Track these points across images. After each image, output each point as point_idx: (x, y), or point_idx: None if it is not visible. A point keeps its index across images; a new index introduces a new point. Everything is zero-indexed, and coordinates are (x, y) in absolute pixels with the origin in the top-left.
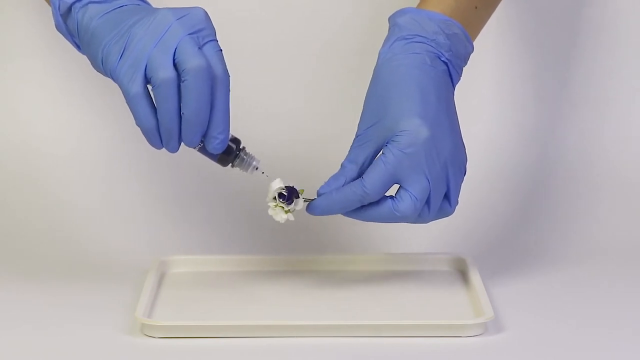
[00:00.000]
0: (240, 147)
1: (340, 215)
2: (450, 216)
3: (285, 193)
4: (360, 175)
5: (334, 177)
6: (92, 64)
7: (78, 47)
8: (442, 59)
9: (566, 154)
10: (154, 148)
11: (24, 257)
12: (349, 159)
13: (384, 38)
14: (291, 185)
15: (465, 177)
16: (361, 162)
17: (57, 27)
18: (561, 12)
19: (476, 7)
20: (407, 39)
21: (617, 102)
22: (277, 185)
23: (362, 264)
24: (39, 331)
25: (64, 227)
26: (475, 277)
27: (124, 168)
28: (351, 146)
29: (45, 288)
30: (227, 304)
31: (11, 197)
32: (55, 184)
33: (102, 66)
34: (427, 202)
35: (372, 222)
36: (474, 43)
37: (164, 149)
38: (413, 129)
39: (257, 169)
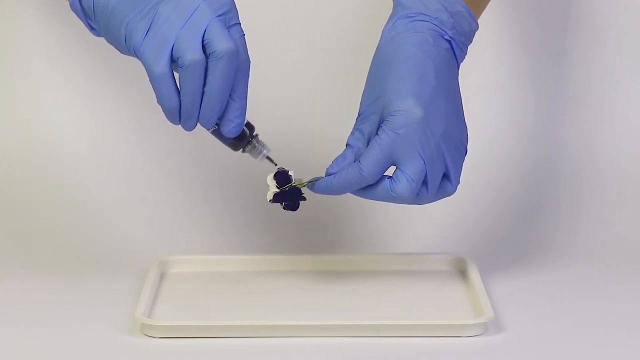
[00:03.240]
0: (254, 133)
1: (340, 216)
2: (450, 216)
3: (283, 173)
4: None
5: (342, 156)
6: (110, 42)
7: (92, 28)
8: (445, 37)
9: (566, 154)
10: (171, 124)
11: (23, 257)
12: (354, 136)
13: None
14: (290, 173)
15: (465, 177)
16: (367, 139)
17: (72, 7)
18: (560, 10)
19: None
20: (410, 17)
21: (616, 101)
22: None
23: (362, 264)
24: (38, 331)
25: (64, 227)
26: (475, 277)
27: (124, 168)
28: (355, 125)
29: (44, 288)
30: (227, 304)
31: (11, 197)
32: (55, 185)
33: (124, 43)
34: (425, 182)
35: (373, 220)
36: (479, 21)
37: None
38: (407, 108)
39: (267, 157)
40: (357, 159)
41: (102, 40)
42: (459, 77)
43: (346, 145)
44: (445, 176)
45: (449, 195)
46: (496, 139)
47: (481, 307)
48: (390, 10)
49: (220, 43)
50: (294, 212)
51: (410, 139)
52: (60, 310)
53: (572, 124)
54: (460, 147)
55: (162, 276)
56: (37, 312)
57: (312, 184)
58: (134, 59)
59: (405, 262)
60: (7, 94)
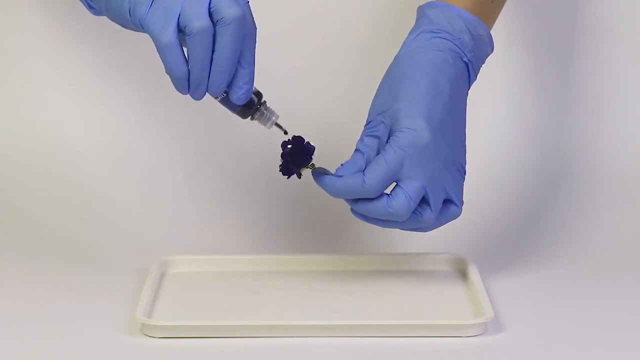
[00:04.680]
0: (262, 100)
1: (340, 216)
2: None
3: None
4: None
5: (352, 161)
6: (112, 17)
7: (90, 7)
8: (464, 59)
9: (567, 155)
10: (179, 94)
11: (23, 257)
12: (364, 143)
13: (394, 27)
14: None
15: (465, 177)
16: (377, 147)
17: None
18: (564, 12)
19: (492, 1)
20: (433, 32)
21: (619, 102)
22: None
23: (362, 264)
24: (38, 330)
25: (63, 227)
26: (475, 277)
27: (124, 169)
28: (364, 131)
29: (44, 288)
30: (227, 304)
31: (11, 197)
32: (55, 185)
33: (128, 17)
34: (427, 203)
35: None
36: None
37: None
38: (416, 129)
39: (276, 124)
40: (367, 166)
41: (107, 38)
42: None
43: (356, 150)
44: (449, 199)
45: (455, 218)
46: (497, 140)
47: (481, 307)
48: (396, 10)
49: (228, 9)
50: (293, 176)
51: (416, 160)
52: (60, 310)
53: (574, 126)
54: (460, 171)
55: (162, 276)
56: (37, 311)
57: (318, 174)
58: (140, 58)
59: (405, 262)
60: (10, 93)
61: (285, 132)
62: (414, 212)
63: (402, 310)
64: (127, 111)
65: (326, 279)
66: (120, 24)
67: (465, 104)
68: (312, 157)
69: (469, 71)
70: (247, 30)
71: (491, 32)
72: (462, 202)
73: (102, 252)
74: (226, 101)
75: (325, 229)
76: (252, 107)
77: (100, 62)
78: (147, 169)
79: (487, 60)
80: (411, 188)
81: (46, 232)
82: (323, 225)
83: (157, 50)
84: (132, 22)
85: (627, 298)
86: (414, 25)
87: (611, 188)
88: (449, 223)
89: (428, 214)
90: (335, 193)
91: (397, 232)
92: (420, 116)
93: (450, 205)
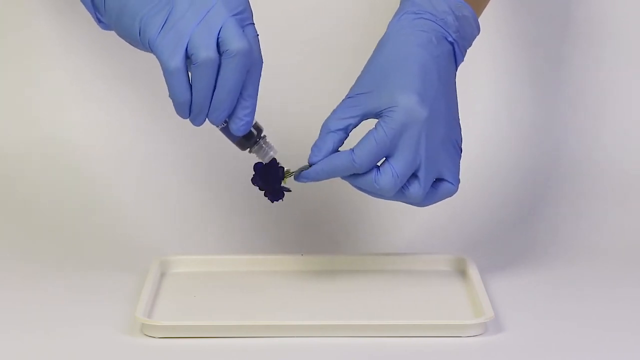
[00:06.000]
0: (262, 135)
1: (339, 216)
2: (450, 216)
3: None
4: (346, 137)
5: (322, 143)
6: (121, 35)
7: (100, 21)
8: (449, 39)
9: (565, 154)
10: (180, 118)
11: (23, 257)
12: (335, 118)
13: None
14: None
15: (465, 178)
16: (345, 126)
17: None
18: (558, 11)
19: None
20: (416, 13)
21: (615, 101)
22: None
23: (362, 264)
24: (38, 330)
25: (63, 227)
26: (475, 277)
27: (124, 169)
28: (338, 105)
29: (44, 288)
30: (227, 304)
31: (11, 196)
32: (55, 185)
33: (138, 37)
34: (419, 181)
35: (372, 220)
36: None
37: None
38: (409, 105)
39: (273, 159)
40: (335, 149)
41: (112, 39)
42: (456, 78)
43: (325, 130)
44: (444, 178)
45: (451, 195)
46: (496, 139)
47: (481, 307)
48: (394, 9)
49: (234, 42)
50: (275, 202)
51: (410, 138)
52: (60, 310)
53: (571, 125)
54: (457, 148)
55: (162, 276)
56: (37, 311)
57: (301, 173)
58: (143, 59)
59: (405, 262)
60: (15, 93)
61: (284, 171)
62: (402, 188)
63: (402, 310)
64: (129, 112)
65: (326, 279)
66: (128, 42)
67: (455, 83)
68: (283, 170)
69: (455, 51)
70: (252, 64)
71: (487, 31)
72: (459, 180)
73: (102, 252)
74: (226, 130)
75: (324, 229)
76: (251, 139)
77: (105, 62)
78: (147, 169)
79: (482, 59)
80: (399, 165)
81: (46, 233)
82: (323, 225)
83: (164, 74)
84: (141, 42)
85: (627, 298)
86: (398, 8)
87: (611, 188)
88: (449, 224)
89: (416, 190)
90: (324, 176)
91: (397, 232)
92: (412, 92)
93: (443, 182)
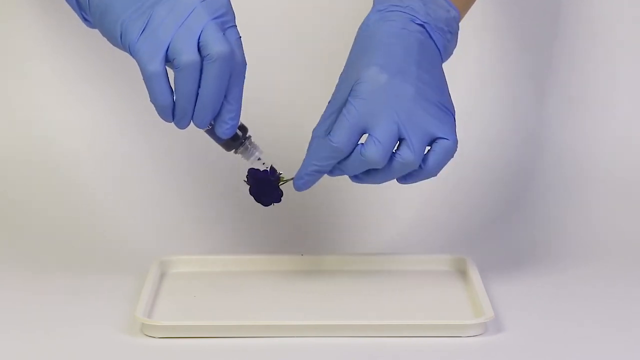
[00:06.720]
0: (247, 135)
1: (339, 216)
2: (450, 216)
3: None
4: None
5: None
6: (104, 35)
7: (85, 20)
8: (417, 22)
9: (565, 154)
10: (164, 122)
11: (23, 257)
12: (319, 123)
13: None
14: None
15: (465, 177)
16: (329, 125)
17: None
18: (559, 10)
19: None
20: (380, 10)
21: (615, 101)
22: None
23: (362, 264)
24: (38, 330)
25: (63, 227)
26: (475, 277)
27: (124, 169)
28: (322, 114)
29: (44, 287)
30: (227, 304)
31: (10, 197)
32: (54, 185)
33: (119, 40)
34: (407, 144)
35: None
36: (473, 10)
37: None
38: (369, 75)
39: (259, 159)
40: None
41: (99, 40)
42: (456, 74)
43: (312, 137)
44: (437, 135)
45: (452, 153)
46: (496, 139)
47: (481, 307)
48: None
49: (215, 46)
50: (267, 206)
51: (376, 104)
52: (59, 310)
53: (571, 126)
54: (442, 107)
55: (162, 276)
56: (37, 311)
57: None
58: (130, 59)
59: (405, 262)
60: (3, 94)
61: (267, 169)
62: (394, 156)
63: (402, 310)
64: (126, 111)
65: (326, 279)
66: (111, 43)
67: (437, 62)
68: (279, 177)
69: (428, 31)
70: (234, 67)
71: (488, 31)
72: (455, 136)
73: (102, 252)
74: (212, 133)
75: (324, 229)
76: (236, 141)
77: (92, 63)
78: (147, 170)
79: (481, 59)
80: (378, 132)
81: (46, 233)
82: (322, 226)
83: (143, 79)
84: (122, 44)
85: (627, 298)
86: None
87: (612, 188)
88: (449, 223)
89: (408, 154)
90: (311, 170)
91: (396, 232)
92: (371, 65)
93: (438, 141)
